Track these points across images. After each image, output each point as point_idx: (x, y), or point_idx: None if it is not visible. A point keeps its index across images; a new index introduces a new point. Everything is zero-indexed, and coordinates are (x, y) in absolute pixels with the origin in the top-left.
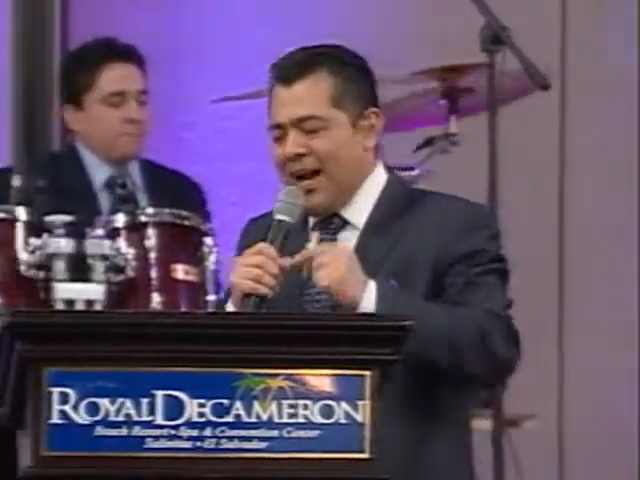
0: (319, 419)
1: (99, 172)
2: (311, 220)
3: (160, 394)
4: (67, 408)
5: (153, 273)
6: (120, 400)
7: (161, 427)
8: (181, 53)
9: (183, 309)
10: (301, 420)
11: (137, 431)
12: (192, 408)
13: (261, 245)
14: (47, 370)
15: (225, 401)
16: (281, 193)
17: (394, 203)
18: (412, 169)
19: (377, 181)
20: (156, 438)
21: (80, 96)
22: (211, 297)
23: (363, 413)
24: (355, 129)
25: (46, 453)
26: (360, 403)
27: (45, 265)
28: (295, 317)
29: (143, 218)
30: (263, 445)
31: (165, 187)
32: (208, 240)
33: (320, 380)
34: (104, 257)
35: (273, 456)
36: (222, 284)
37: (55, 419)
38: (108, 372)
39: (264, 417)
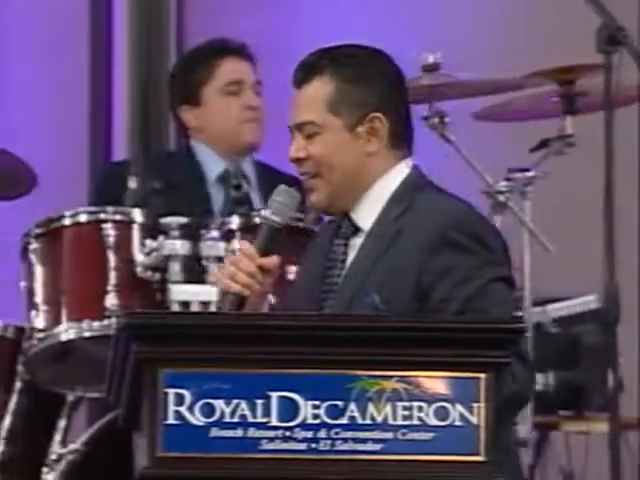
0: (434, 421)
1: (214, 167)
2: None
3: (275, 396)
4: (183, 409)
5: None
6: (235, 401)
7: (276, 428)
8: (288, 50)
9: (297, 311)
10: (416, 422)
11: (252, 432)
12: (307, 410)
13: (241, 244)
14: (163, 371)
15: (340, 403)
16: (274, 193)
17: (398, 205)
18: (527, 170)
19: (390, 183)
20: (271, 439)
21: (198, 91)
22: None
23: (478, 415)
24: (353, 134)
25: (162, 454)
26: (475, 405)
27: (161, 267)
28: (410, 319)
29: (257, 220)
30: (378, 447)
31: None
32: None
33: (434, 382)
34: (219, 259)
35: (388, 458)
36: None
37: (171, 420)
38: (223, 373)
39: (379, 419)
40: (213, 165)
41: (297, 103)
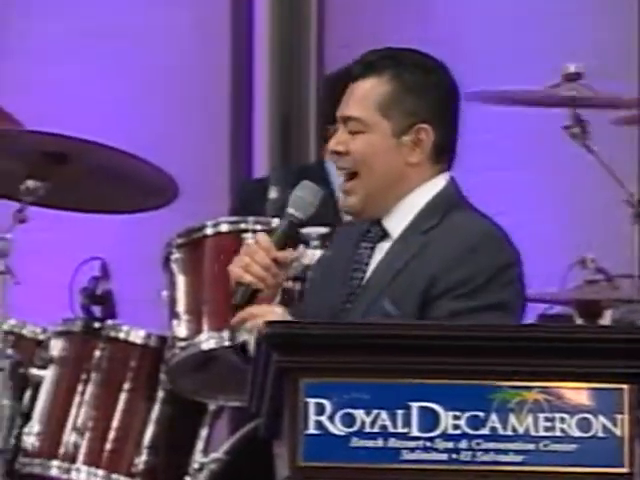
0: (576, 433)
1: None
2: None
3: (415, 406)
4: (323, 419)
5: None
6: (375, 411)
7: (417, 439)
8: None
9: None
10: (558, 433)
11: (393, 443)
12: (447, 420)
13: (258, 235)
14: (303, 381)
15: (480, 413)
16: (297, 188)
17: (429, 218)
18: None
19: (425, 195)
20: (412, 450)
21: None
22: None
23: (622, 427)
24: (397, 141)
25: (303, 463)
26: (619, 417)
27: (301, 276)
28: (552, 329)
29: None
30: (519, 458)
31: None
32: None
33: (577, 393)
34: None
35: (530, 469)
36: None
37: (311, 430)
38: (364, 383)
39: (520, 430)
40: None
41: (348, 96)
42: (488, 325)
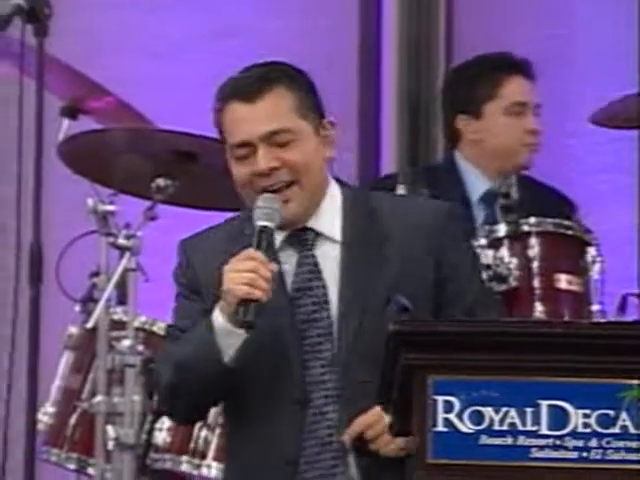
0: None
1: (477, 186)
2: (278, 237)
3: (545, 404)
4: (452, 416)
5: (536, 282)
6: (504, 409)
7: (546, 437)
8: (565, 59)
9: (566, 319)
10: None
11: (522, 441)
12: (577, 418)
13: (250, 251)
14: (432, 378)
15: (611, 412)
16: (259, 201)
17: (360, 212)
18: None
19: (335, 192)
20: (541, 448)
21: (481, 105)
22: (595, 307)
23: None
24: (318, 138)
25: (432, 461)
26: None
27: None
28: None
29: (526, 227)
30: None
31: (539, 201)
32: (592, 250)
33: None
34: (487, 266)
35: None
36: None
37: (440, 427)
38: (492, 381)
39: None
40: (477, 184)
41: (255, 115)
42: (618, 323)
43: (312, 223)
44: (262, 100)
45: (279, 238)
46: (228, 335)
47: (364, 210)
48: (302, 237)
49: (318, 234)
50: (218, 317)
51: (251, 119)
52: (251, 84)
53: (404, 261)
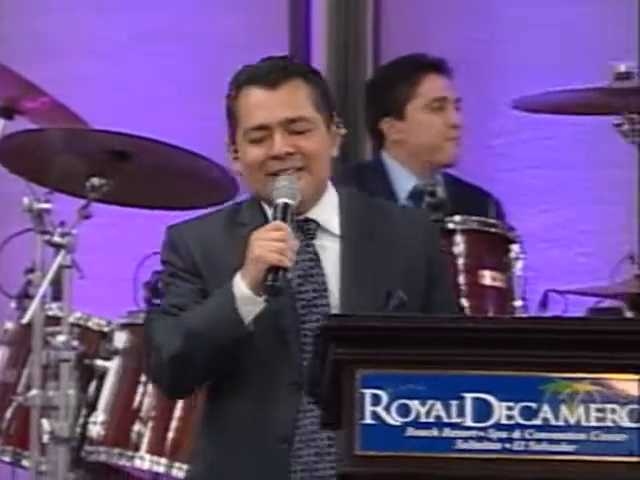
0: (627, 423)
1: (404, 184)
2: None
3: (469, 397)
4: (379, 409)
5: (461, 279)
6: (430, 402)
7: (470, 429)
8: (484, 61)
9: (490, 314)
10: (609, 424)
11: (447, 432)
12: (500, 411)
13: (278, 222)
14: (360, 372)
15: (533, 404)
16: (280, 180)
17: (357, 209)
18: None
19: (332, 190)
20: (465, 439)
21: (403, 105)
22: (518, 302)
23: None
24: (329, 134)
25: (360, 452)
26: None
27: None
28: (603, 322)
29: (451, 225)
30: (571, 448)
31: (464, 199)
32: (515, 247)
33: (627, 384)
34: None
35: (582, 459)
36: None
37: (368, 420)
38: (419, 375)
39: (572, 420)
40: (404, 182)
41: (276, 101)
42: (540, 318)
43: (314, 214)
44: (282, 88)
45: (288, 276)
46: (249, 302)
47: (361, 208)
48: (304, 227)
49: (319, 226)
50: (239, 284)
51: (270, 104)
52: (271, 72)
53: (402, 258)
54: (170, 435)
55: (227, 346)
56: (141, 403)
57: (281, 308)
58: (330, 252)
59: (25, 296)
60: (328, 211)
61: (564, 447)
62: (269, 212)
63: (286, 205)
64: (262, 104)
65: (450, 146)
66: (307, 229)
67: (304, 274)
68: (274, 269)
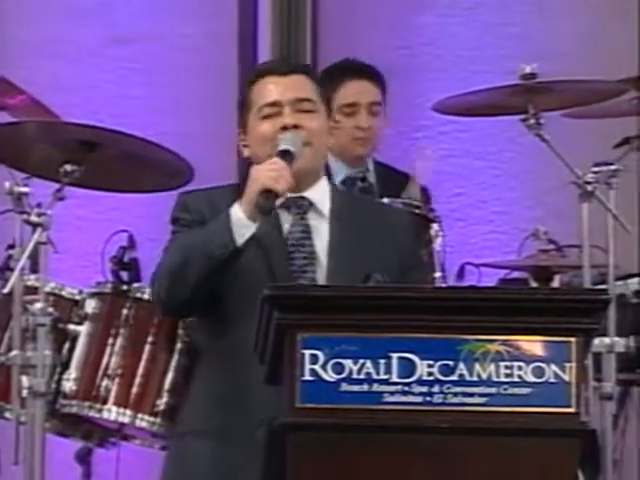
0: (531, 378)
1: (339, 173)
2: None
3: (395, 356)
4: (317, 367)
5: None
6: (361, 361)
7: (396, 384)
8: (413, 65)
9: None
10: (516, 379)
11: (376, 387)
12: (422, 368)
13: (276, 159)
14: (300, 335)
15: (450, 362)
16: (285, 133)
17: (346, 200)
18: (611, 164)
19: (325, 179)
20: (392, 393)
21: (331, 109)
22: (438, 274)
23: (570, 374)
24: (327, 122)
25: (300, 405)
26: (567, 365)
27: None
28: (511, 291)
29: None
30: (483, 400)
31: (392, 183)
32: (435, 226)
33: (532, 345)
34: None
35: (492, 409)
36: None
37: (307, 377)
38: (352, 337)
39: (484, 376)
40: (339, 171)
41: (288, 84)
42: (458, 288)
43: (308, 194)
44: (291, 76)
45: (277, 203)
46: (242, 225)
47: (350, 200)
48: (298, 203)
49: (312, 205)
50: (236, 209)
51: (283, 86)
52: (282, 65)
53: (380, 246)
54: (134, 390)
55: (217, 266)
56: (108, 362)
57: (274, 263)
58: (319, 231)
59: (7, 269)
60: (321, 194)
61: (477, 400)
62: None
63: (287, 151)
64: (275, 85)
65: (358, 145)
66: (301, 205)
67: (296, 243)
68: (267, 192)
